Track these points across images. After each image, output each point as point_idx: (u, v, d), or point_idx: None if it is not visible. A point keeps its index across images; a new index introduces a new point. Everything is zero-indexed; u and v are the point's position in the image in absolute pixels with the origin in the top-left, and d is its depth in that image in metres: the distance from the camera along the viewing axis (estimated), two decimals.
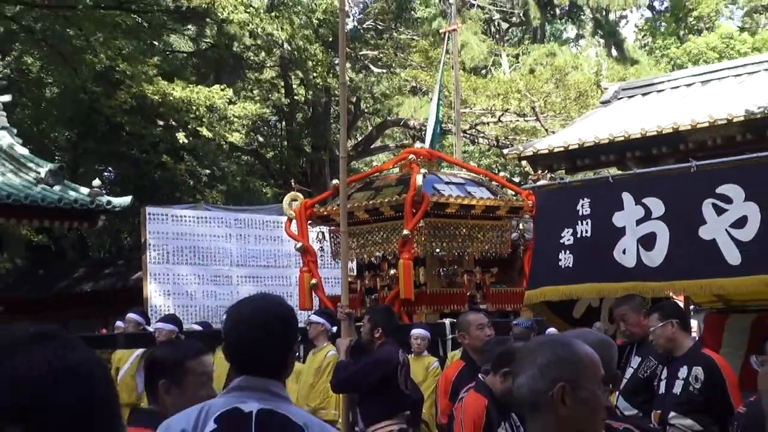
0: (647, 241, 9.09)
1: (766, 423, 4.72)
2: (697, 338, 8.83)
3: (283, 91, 35.34)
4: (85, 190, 19.32)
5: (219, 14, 27.66)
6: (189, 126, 29.87)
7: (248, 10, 27.33)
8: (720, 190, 8.64)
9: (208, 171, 34.18)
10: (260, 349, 3.60)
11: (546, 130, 28.19)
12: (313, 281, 15.04)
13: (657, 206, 9.04)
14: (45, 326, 1.85)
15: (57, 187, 19.06)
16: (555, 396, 2.96)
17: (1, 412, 1.69)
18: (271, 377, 3.60)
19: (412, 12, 36.61)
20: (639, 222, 9.12)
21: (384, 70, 35.74)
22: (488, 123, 32.57)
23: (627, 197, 9.22)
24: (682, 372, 7.40)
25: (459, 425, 5.97)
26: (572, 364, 3.02)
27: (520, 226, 15.76)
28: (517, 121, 31.78)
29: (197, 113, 28.86)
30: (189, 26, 33.24)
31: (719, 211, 8.61)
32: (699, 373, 7.06)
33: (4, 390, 1.70)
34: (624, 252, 9.06)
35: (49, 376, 1.71)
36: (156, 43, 31.20)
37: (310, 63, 30.41)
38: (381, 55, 35.90)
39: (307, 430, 3.51)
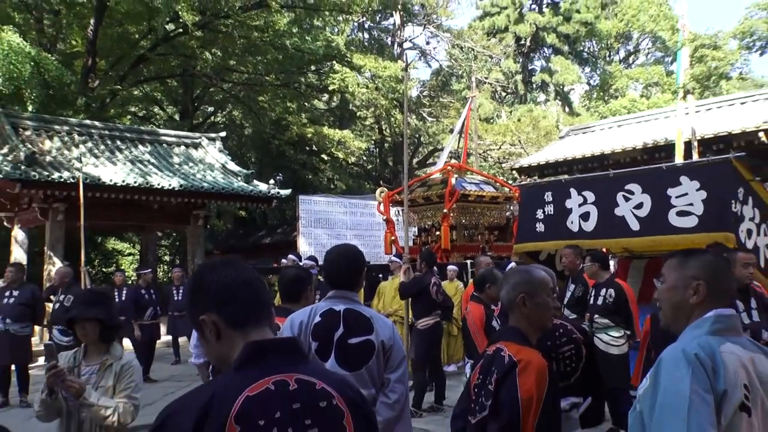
0: (584, 217, 8.97)
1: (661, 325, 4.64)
2: (613, 272, 8.76)
3: (377, 131, 35.31)
4: (265, 186, 19.42)
5: (344, 92, 28.10)
6: (328, 151, 30.39)
7: (360, 89, 27.48)
8: (627, 187, 8.53)
9: (333, 175, 34.47)
10: (343, 272, 3.70)
11: (527, 153, 27.84)
12: (392, 238, 15.10)
13: (590, 196, 8.92)
14: (230, 257, 1.96)
15: (250, 184, 19.22)
16: (519, 302, 3.06)
17: (208, 304, 1.82)
18: (350, 290, 3.69)
19: (450, 86, 36.47)
20: (580, 205, 8.99)
21: (434, 119, 35.65)
22: (493, 149, 32.35)
23: (573, 191, 9.09)
24: (602, 292, 7.55)
25: (471, 321, 6.04)
26: (529, 283, 3.12)
27: (511, 208, 15.61)
28: (510, 147, 31.51)
29: (332, 144, 29.30)
30: (324, 95, 33.32)
31: (626, 199, 8.50)
32: (612, 292, 7.29)
33: (212, 290, 1.83)
34: (571, 223, 8.98)
35: (233, 284, 1.82)
36: (306, 104, 31.32)
37: (392, 118, 30.50)
38: (432, 110, 35.84)
39: (372, 319, 3.60)
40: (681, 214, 7.98)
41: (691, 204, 7.90)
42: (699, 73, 17.55)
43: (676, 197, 8.08)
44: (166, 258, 31.85)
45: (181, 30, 24.89)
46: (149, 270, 13.92)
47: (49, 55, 17.91)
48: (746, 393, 2.10)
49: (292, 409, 1.72)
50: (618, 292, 7.28)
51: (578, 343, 3.68)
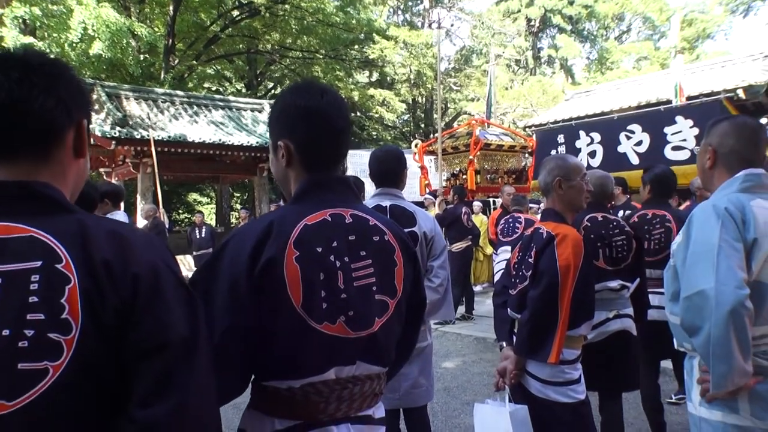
0: (592, 154, 8.73)
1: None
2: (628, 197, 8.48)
3: (411, 94, 34.54)
4: None
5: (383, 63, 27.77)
6: (372, 111, 30.15)
7: (397, 60, 27.19)
8: (629, 127, 8.26)
9: (375, 133, 34.16)
10: (388, 171, 3.45)
11: (537, 114, 27.18)
12: (426, 182, 14.85)
13: (596, 137, 8.68)
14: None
15: None
16: (555, 184, 2.83)
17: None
18: (395, 187, 3.47)
19: (472, 61, 35.86)
20: (588, 145, 8.74)
21: (460, 88, 35.01)
22: (509, 112, 31.68)
23: (582, 132, 8.83)
24: (619, 213, 7.18)
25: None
26: (564, 168, 2.85)
27: (526, 156, 15.24)
28: (524, 110, 30.85)
29: (375, 104, 29.27)
30: (366, 70, 32.89)
31: (628, 138, 8.22)
32: (629, 212, 6.76)
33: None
34: (580, 160, 8.69)
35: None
36: (350, 78, 30.87)
37: (424, 78, 30.02)
38: (457, 81, 35.16)
39: (415, 213, 3.40)
40: (675, 149, 7.75)
41: (685, 140, 7.66)
42: (689, 35, 16.90)
43: (672, 134, 7.83)
44: (237, 206, 31.92)
45: (246, 14, 24.93)
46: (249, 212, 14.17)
47: (142, 24, 17.73)
48: None
49: (348, 240, 1.57)
50: (634, 211, 6.99)
51: (629, 236, 3.58)
